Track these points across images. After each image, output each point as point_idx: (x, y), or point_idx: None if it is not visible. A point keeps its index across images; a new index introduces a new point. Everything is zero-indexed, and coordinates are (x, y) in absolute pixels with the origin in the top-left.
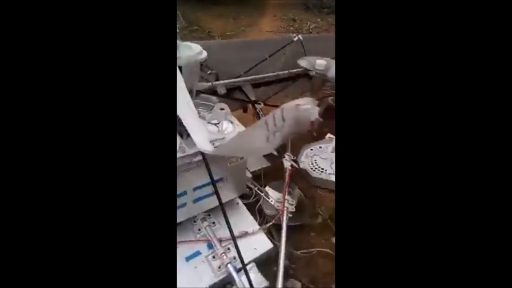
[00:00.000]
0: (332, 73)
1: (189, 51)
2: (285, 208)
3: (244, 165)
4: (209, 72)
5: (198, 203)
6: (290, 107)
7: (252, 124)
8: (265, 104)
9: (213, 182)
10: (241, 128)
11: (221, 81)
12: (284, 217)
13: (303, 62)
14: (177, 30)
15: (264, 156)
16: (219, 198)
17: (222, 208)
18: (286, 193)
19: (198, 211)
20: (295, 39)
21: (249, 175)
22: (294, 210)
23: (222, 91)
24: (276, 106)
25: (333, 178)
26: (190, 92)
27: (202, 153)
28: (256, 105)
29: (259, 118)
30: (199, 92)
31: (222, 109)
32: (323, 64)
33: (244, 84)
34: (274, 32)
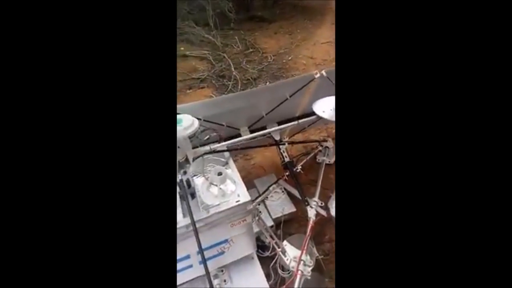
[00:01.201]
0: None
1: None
2: (299, 273)
3: (248, 225)
4: (206, 137)
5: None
6: None
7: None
8: (289, 143)
9: (200, 247)
10: (242, 187)
11: (222, 143)
12: (297, 282)
13: (317, 107)
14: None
15: (291, 198)
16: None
17: None
18: (304, 252)
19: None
20: (317, 76)
21: (270, 223)
22: (309, 274)
23: (245, 134)
24: (301, 142)
25: None
26: (186, 161)
27: (193, 223)
28: (280, 146)
29: (283, 159)
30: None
31: (220, 173)
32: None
33: (269, 123)
34: (330, 43)
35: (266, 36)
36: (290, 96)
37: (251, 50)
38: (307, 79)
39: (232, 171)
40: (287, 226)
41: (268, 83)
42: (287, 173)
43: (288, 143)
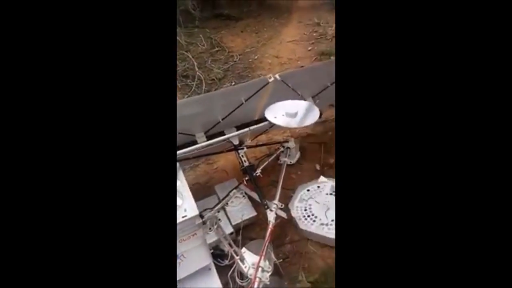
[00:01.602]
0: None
1: None
2: (257, 279)
3: (200, 239)
4: None
5: None
6: None
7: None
8: (247, 147)
9: None
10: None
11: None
12: None
13: (269, 113)
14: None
15: (252, 202)
16: None
17: None
18: (263, 257)
19: None
20: (271, 80)
21: (230, 229)
22: (268, 280)
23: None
24: (261, 145)
25: (324, 230)
26: None
27: None
28: (239, 150)
29: (242, 163)
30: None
31: None
32: (291, 113)
33: (226, 128)
34: (296, 42)
35: (233, 35)
36: (246, 101)
37: (216, 49)
38: (262, 83)
39: (181, 184)
40: (249, 231)
41: (233, 83)
42: (246, 178)
43: (247, 147)
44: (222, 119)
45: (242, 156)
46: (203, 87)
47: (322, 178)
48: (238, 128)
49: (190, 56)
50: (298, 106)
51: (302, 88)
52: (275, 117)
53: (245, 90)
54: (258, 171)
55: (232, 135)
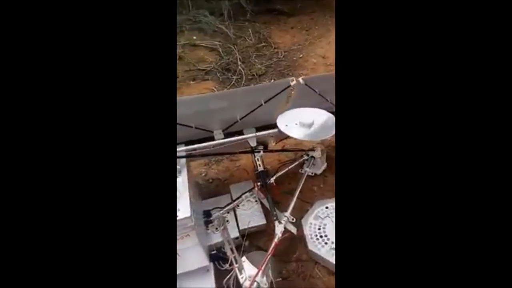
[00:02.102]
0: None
1: None
2: None
3: (193, 241)
4: None
5: None
6: None
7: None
8: (265, 151)
9: None
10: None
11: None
12: None
13: (281, 120)
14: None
15: (265, 209)
16: None
17: None
18: (261, 273)
19: None
20: (293, 83)
21: (235, 234)
22: None
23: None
24: (281, 151)
25: (332, 258)
26: None
27: None
28: (255, 153)
29: (256, 168)
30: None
31: None
32: (305, 122)
33: (246, 128)
34: None
35: (282, 31)
36: (265, 102)
37: (263, 44)
38: (284, 85)
39: (181, 181)
40: (256, 239)
41: (273, 80)
42: (259, 183)
43: (264, 151)
44: (240, 119)
45: (258, 159)
46: (243, 82)
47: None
48: (258, 129)
49: (236, 50)
50: (316, 115)
51: (332, 95)
52: (286, 125)
53: (269, 90)
54: (273, 179)
55: (246, 136)
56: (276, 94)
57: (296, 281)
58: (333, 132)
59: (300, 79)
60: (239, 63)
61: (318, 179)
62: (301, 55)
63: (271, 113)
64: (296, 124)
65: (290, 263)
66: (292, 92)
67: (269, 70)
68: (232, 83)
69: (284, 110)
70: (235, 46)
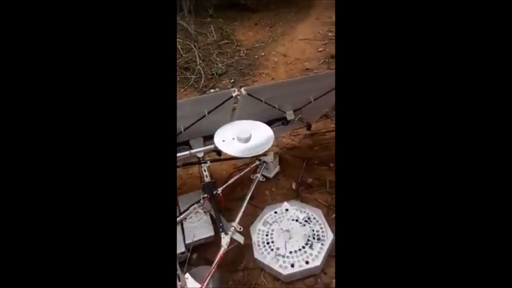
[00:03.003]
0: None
1: None
2: None
3: None
4: None
5: None
6: None
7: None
8: (212, 161)
9: None
10: None
11: None
12: None
13: (218, 134)
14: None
15: (213, 220)
16: None
17: None
18: None
19: None
20: (235, 94)
21: (181, 248)
22: None
23: None
24: (232, 159)
25: (279, 263)
26: None
27: None
28: (202, 164)
29: (203, 180)
30: None
31: None
32: (242, 137)
33: (192, 138)
34: (309, 40)
35: (246, 27)
36: (209, 113)
37: (225, 41)
38: (226, 95)
39: None
40: (205, 251)
41: (233, 80)
42: (204, 195)
43: (212, 161)
44: (184, 129)
45: (204, 170)
46: (202, 82)
47: (285, 204)
48: (206, 139)
49: (196, 47)
50: (254, 128)
51: (282, 103)
52: (223, 141)
53: (211, 101)
54: (220, 189)
55: (183, 154)
56: (219, 105)
57: None
58: (268, 146)
59: (242, 90)
60: (199, 61)
61: (270, 182)
62: (263, 53)
63: (219, 123)
64: (234, 138)
65: (237, 273)
66: (234, 105)
67: (229, 69)
68: (190, 83)
69: (231, 120)
70: (196, 44)
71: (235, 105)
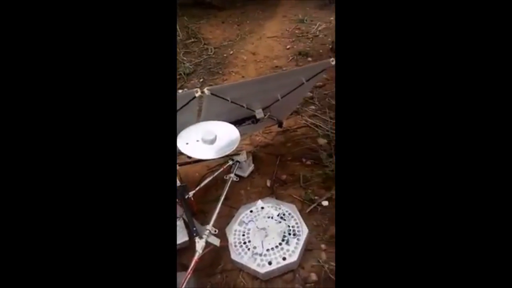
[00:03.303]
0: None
1: None
2: None
3: None
4: None
5: None
6: None
7: None
8: (181, 164)
9: None
10: None
11: None
12: None
13: (182, 137)
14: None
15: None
16: None
17: None
18: None
19: None
20: (197, 94)
21: None
22: None
23: None
24: (203, 161)
25: (256, 262)
26: None
27: None
28: None
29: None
30: None
31: None
32: (207, 138)
33: None
34: (277, 38)
35: (213, 25)
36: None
37: (192, 40)
38: (189, 96)
39: None
40: (181, 257)
41: (202, 79)
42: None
43: (180, 165)
44: None
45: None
46: None
47: (260, 202)
48: None
49: None
50: (219, 129)
51: (250, 101)
52: (187, 143)
53: (179, 101)
54: (191, 193)
55: None
56: (184, 105)
57: None
58: (234, 147)
59: (206, 90)
60: None
61: (245, 182)
62: (231, 52)
63: (186, 124)
64: (198, 140)
65: (215, 276)
66: (200, 105)
67: (198, 69)
68: None
69: (198, 121)
70: None
71: (201, 105)
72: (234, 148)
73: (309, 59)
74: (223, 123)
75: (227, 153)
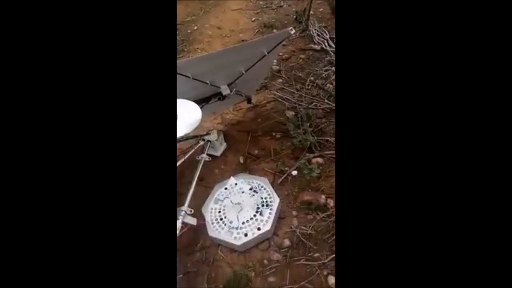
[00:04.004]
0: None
1: None
2: None
3: None
4: None
5: None
6: None
7: None
8: None
9: None
10: None
11: None
12: None
13: None
14: None
15: None
16: None
17: None
18: None
19: None
20: None
21: None
22: None
23: None
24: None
25: (233, 235)
26: None
27: None
28: None
29: None
30: None
31: None
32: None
33: None
34: (242, 10)
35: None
36: None
37: None
38: None
39: None
40: None
41: None
42: None
43: None
44: None
45: None
46: None
47: (232, 179)
48: None
49: None
50: (181, 107)
51: (213, 78)
52: None
53: None
54: None
55: None
56: None
57: (201, 269)
58: (197, 121)
59: None
60: None
61: (218, 161)
62: (195, 27)
63: None
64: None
65: (194, 254)
66: None
67: None
68: None
69: None
70: None
71: None
72: (197, 125)
73: (275, 31)
74: (184, 100)
75: (189, 131)
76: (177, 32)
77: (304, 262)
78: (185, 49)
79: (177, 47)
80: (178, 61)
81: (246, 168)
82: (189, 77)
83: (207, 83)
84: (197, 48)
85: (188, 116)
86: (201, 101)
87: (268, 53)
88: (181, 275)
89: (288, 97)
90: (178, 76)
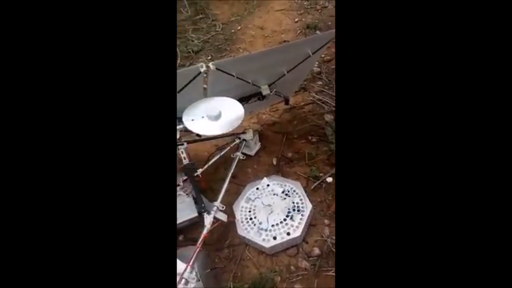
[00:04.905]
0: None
1: None
2: None
3: None
4: None
5: None
6: None
7: None
8: (189, 142)
9: None
10: None
11: None
12: None
13: (187, 114)
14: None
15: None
16: None
17: None
18: (188, 268)
19: None
20: (202, 69)
21: None
22: None
23: None
24: (210, 139)
25: (262, 237)
26: None
27: None
28: (179, 146)
29: (182, 161)
30: None
31: None
32: (212, 114)
33: None
34: (285, 11)
35: (220, 0)
36: (178, 92)
37: (200, 16)
38: (195, 72)
39: None
40: (191, 232)
41: (210, 57)
42: (185, 178)
43: (188, 143)
44: None
45: (182, 152)
46: (178, 61)
47: (265, 180)
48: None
49: None
50: (223, 105)
51: (255, 77)
52: (192, 120)
53: (183, 78)
54: (200, 171)
55: None
56: (187, 83)
57: (228, 266)
58: (239, 123)
59: (211, 65)
60: None
61: (252, 160)
62: (239, 27)
63: (193, 101)
64: (203, 117)
65: (223, 250)
66: (205, 79)
67: (206, 46)
68: None
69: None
70: None
71: (204, 87)
72: (239, 124)
73: (318, 32)
74: (228, 99)
75: (232, 129)
76: (222, 32)
77: (333, 274)
78: (228, 48)
79: (220, 47)
80: (223, 60)
81: (279, 170)
82: (233, 76)
83: (249, 83)
84: (239, 48)
85: (231, 114)
86: (241, 100)
87: (312, 54)
88: (209, 270)
89: (327, 100)
90: (222, 74)
